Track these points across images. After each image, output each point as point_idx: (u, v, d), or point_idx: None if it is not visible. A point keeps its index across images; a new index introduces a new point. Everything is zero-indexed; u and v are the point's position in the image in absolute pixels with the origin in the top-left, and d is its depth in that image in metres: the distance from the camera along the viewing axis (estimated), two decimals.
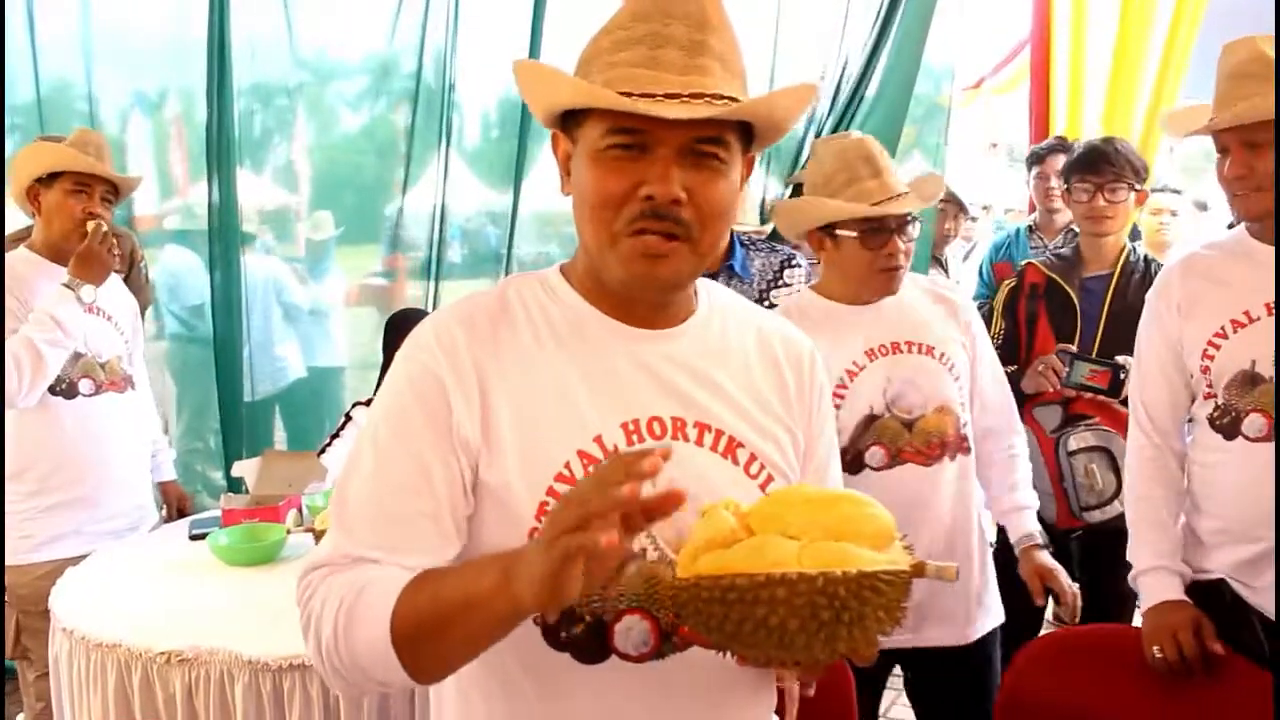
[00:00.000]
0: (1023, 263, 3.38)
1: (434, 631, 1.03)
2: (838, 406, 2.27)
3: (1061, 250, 3.36)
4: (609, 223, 1.15)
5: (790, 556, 0.99)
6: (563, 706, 1.20)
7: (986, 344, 2.47)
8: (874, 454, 2.32)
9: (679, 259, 1.16)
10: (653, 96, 1.09)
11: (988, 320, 2.87)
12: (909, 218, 2.26)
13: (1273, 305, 2.00)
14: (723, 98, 1.11)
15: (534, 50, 4.46)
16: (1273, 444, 1.98)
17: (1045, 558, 2.38)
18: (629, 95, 1.10)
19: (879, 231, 2.25)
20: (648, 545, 1.17)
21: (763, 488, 1.24)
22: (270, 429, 4.64)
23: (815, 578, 0.96)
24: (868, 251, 2.27)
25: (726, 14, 1.16)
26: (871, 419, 2.32)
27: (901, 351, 2.33)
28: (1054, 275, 3.13)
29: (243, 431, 4.42)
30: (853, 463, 2.29)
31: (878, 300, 2.35)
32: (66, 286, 2.74)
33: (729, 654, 1.04)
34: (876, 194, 2.24)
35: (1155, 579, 2.08)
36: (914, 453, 2.31)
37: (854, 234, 2.26)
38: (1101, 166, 3.09)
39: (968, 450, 2.38)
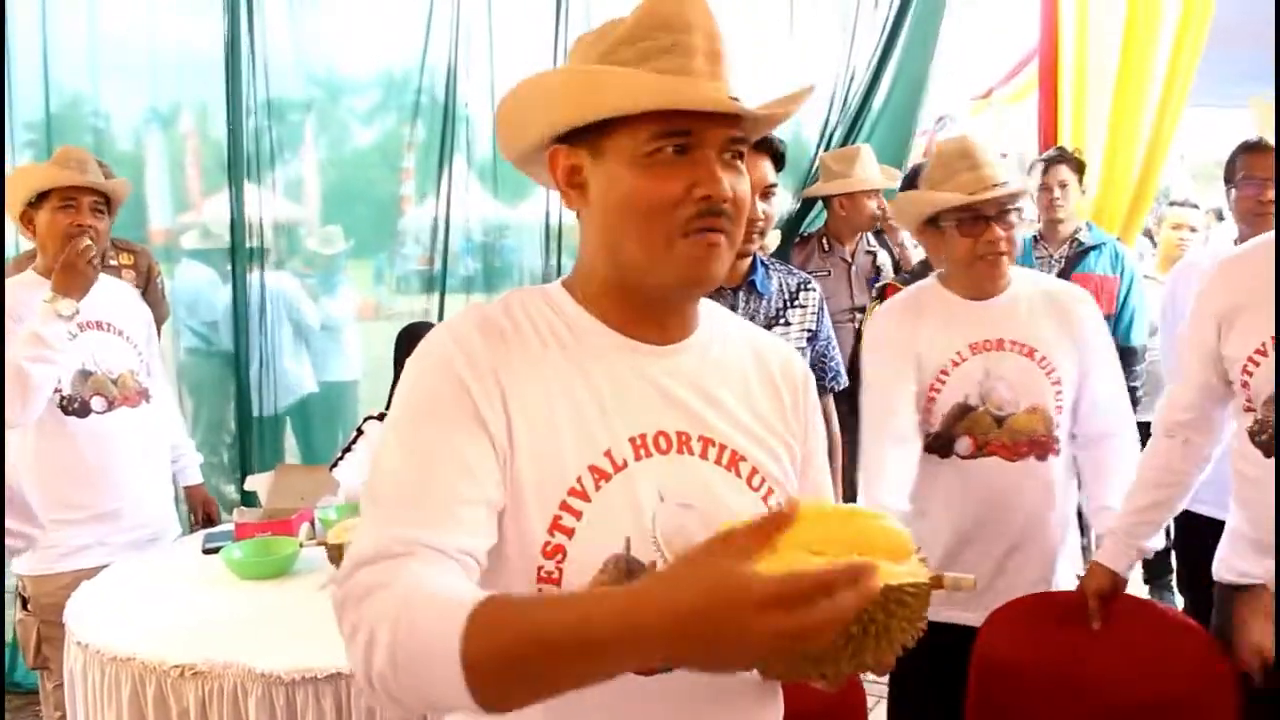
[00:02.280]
0: (881, 284, 3.41)
1: (526, 666, 0.92)
2: (936, 393, 2.47)
3: (914, 269, 3.39)
4: (663, 226, 1.15)
5: None
6: (570, 716, 1.20)
7: (1105, 351, 2.55)
8: (962, 443, 2.47)
9: (725, 257, 1.19)
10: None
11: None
12: (1006, 206, 2.39)
13: None
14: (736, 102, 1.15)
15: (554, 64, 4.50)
16: None
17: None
18: None
19: (976, 220, 2.39)
20: (656, 558, 1.17)
21: (764, 499, 1.26)
22: (282, 443, 4.67)
23: None
24: (967, 239, 2.42)
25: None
26: (965, 409, 2.46)
27: (1005, 349, 2.46)
28: None
29: (254, 446, 4.45)
30: (942, 448, 2.48)
31: (992, 294, 2.48)
32: (47, 302, 2.70)
33: (753, 669, 1.05)
34: (971, 185, 2.38)
35: (1105, 542, 2.30)
36: (1000, 446, 2.45)
37: (954, 223, 2.42)
38: None
39: (1057, 452, 2.48)
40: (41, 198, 2.82)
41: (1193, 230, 4.71)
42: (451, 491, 1.10)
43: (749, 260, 2.74)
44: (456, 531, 1.08)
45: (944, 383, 2.47)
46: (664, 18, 1.16)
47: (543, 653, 0.91)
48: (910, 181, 3.44)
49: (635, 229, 1.17)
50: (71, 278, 2.71)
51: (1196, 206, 4.87)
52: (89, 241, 2.74)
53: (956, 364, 2.46)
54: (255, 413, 4.48)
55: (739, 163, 1.18)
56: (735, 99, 1.14)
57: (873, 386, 2.59)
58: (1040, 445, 2.46)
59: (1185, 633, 2.19)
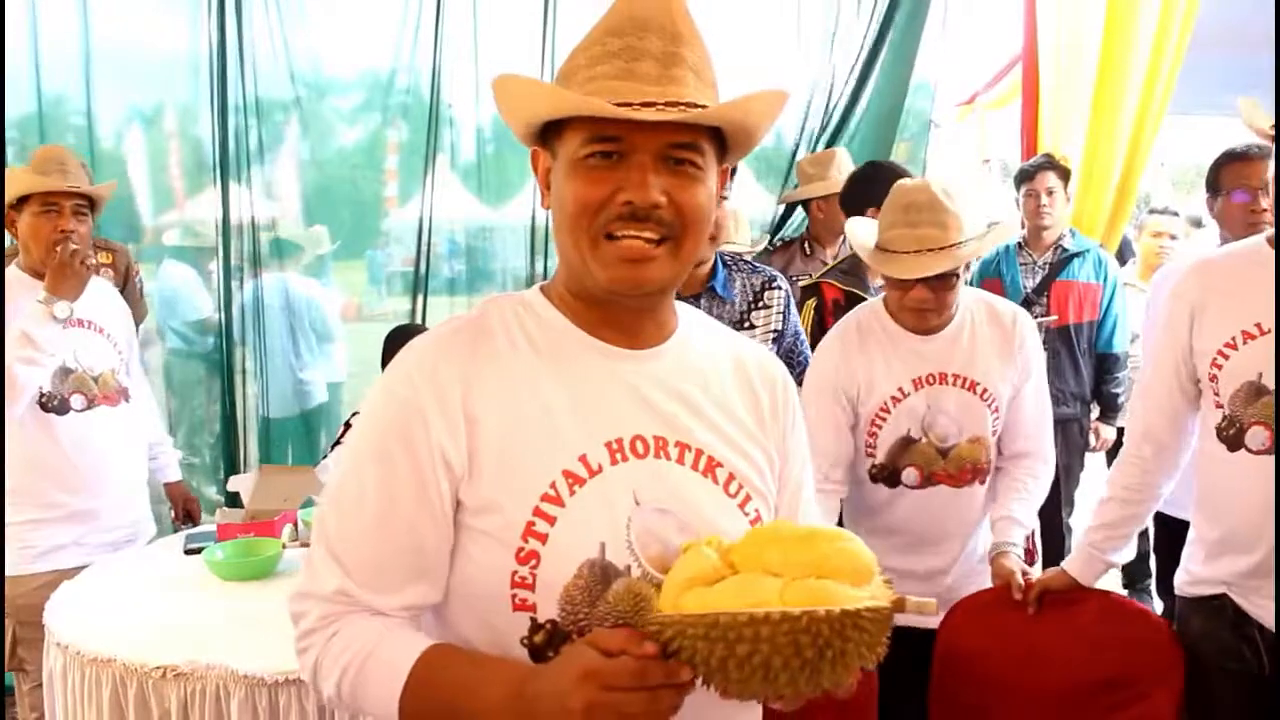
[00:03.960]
0: (803, 282, 3.41)
1: None
2: (879, 427, 2.49)
3: (841, 265, 3.39)
4: (588, 228, 1.16)
5: (773, 595, 1.00)
6: None
7: (1037, 371, 2.56)
8: (909, 474, 2.51)
9: (661, 264, 1.18)
10: (630, 105, 1.11)
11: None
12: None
13: None
14: (697, 106, 1.14)
15: (544, 70, 4.50)
16: (1273, 457, 2.01)
17: (1009, 563, 2.44)
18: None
19: (904, 279, 2.37)
20: (631, 562, 1.17)
21: (741, 506, 1.27)
22: (286, 446, 4.65)
23: (799, 617, 0.97)
24: (895, 291, 2.44)
25: (697, 27, 1.19)
26: (908, 441, 2.49)
27: (946, 384, 2.48)
28: (848, 289, 3.23)
29: (247, 448, 4.44)
30: (890, 478, 2.53)
31: (933, 330, 2.47)
32: (40, 302, 2.71)
33: (712, 687, 1.05)
34: (900, 243, 2.35)
35: (1074, 551, 2.38)
36: (946, 476, 2.51)
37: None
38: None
39: (991, 472, 2.56)
40: (22, 200, 2.81)
41: (1173, 238, 4.74)
42: (397, 559, 1.19)
43: (708, 266, 2.73)
44: (396, 597, 1.19)
45: (885, 419, 2.50)
46: (618, 22, 1.17)
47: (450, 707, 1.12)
48: (851, 186, 3.46)
49: (569, 231, 1.19)
50: (66, 280, 2.73)
51: (1176, 214, 4.89)
52: (77, 245, 2.75)
53: (898, 400, 2.49)
54: (234, 414, 4.47)
55: (689, 169, 1.17)
56: (680, 104, 1.12)
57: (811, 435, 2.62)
58: (983, 472, 2.53)
59: (1132, 617, 2.33)
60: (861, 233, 2.53)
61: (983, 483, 2.54)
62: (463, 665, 1.14)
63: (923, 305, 2.39)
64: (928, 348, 2.48)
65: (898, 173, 3.21)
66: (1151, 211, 5.04)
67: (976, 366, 2.47)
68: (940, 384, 2.47)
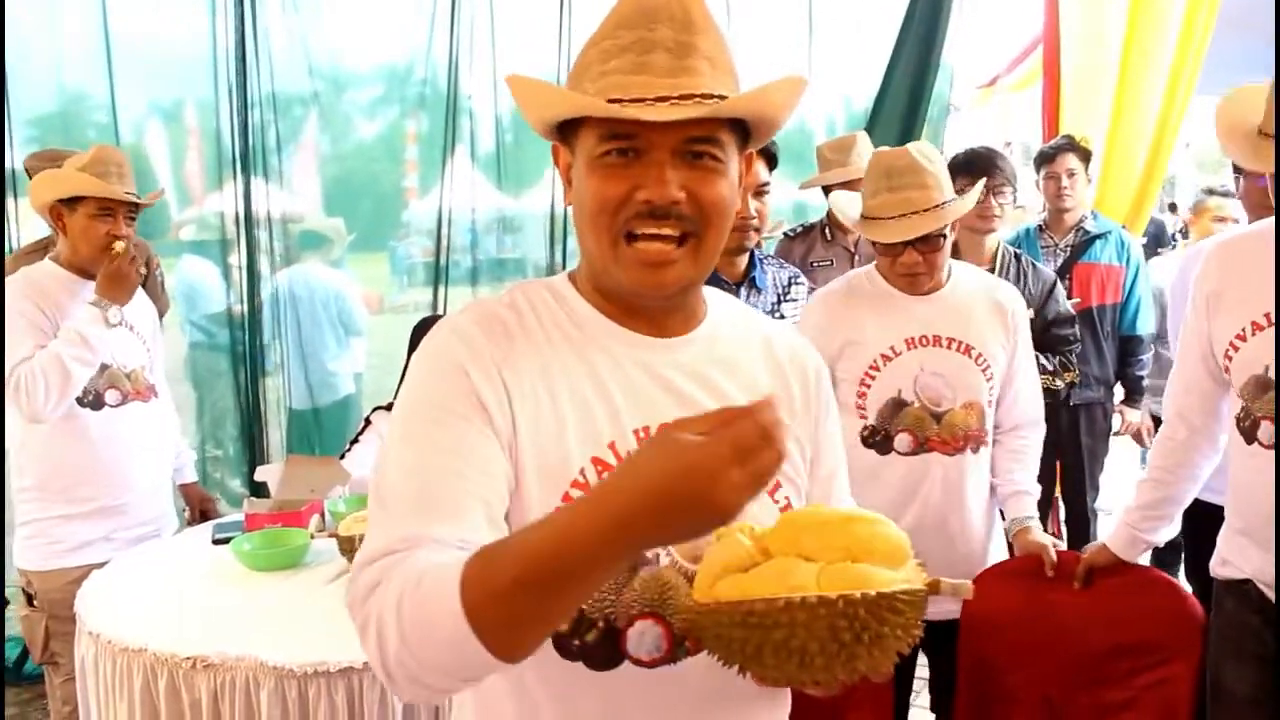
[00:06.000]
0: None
1: (526, 593, 0.91)
2: (868, 386, 2.46)
3: None
4: (608, 228, 1.15)
5: (809, 579, 1.00)
6: (573, 710, 1.20)
7: (1029, 348, 2.56)
8: (902, 440, 2.46)
9: (683, 265, 1.17)
10: (643, 101, 1.10)
11: None
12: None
13: None
14: (713, 97, 1.12)
15: (561, 57, 4.51)
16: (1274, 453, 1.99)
17: (1038, 537, 2.44)
18: (619, 101, 1.10)
19: (890, 244, 2.38)
20: (661, 552, 1.17)
21: (771, 494, 1.25)
22: (295, 437, 4.67)
23: (835, 600, 0.97)
24: (885, 258, 2.43)
25: (710, 13, 1.16)
26: (900, 404, 2.46)
27: (940, 346, 2.45)
28: None
29: (264, 439, 4.47)
30: (881, 443, 2.48)
31: (927, 291, 2.47)
32: (94, 305, 2.77)
33: (747, 674, 1.05)
34: (885, 208, 2.36)
35: (1115, 529, 2.36)
36: (940, 442, 2.46)
37: (871, 241, 2.43)
38: (993, 169, 3.40)
39: (988, 443, 2.51)
40: (74, 198, 2.83)
41: (1235, 222, 4.54)
42: (455, 490, 1.09)
43: (748, 256, 2.75)
44: (460, 527, 1.07)
45: (874, 377, 2.46)
46: (628, 13, 1.15)
47: (538, 578, 0.90)
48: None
49: (589, 229, 1.18)
50: (120, 286, 2.81)
51: (1233, 194, 4.69)
52: (133, 253, 2.82)
53: (889, 358, 2.46)
54: (258, 407, 4.50)
55: (708, 162, 1.15)
56: (695, 95, 1.10)
57: None
58: (975, 439, 2.48)
59: (1155, 586, 2.35)
60: (846, 204, 2.54)
61: (975, 451, 2.49)
62: (529, 528, 0.95)
63: (913, 269, 2.39)
64: (922, 309, 2.46)
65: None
66: (1210, 192, 4.82)
67: (971, 330, 2.45)
68: (934, 346, 2.45)
